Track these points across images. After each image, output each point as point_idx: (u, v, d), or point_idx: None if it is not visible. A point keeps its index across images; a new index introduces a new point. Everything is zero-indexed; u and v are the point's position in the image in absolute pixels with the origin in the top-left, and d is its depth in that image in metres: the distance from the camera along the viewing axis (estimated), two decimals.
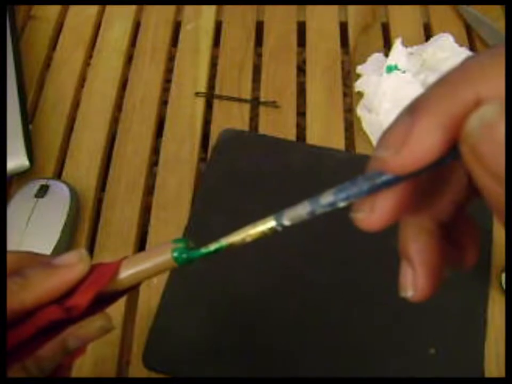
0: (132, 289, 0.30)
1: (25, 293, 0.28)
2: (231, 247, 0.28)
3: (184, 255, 0.29)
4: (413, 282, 0.25)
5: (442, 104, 0.20)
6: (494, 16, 0.69)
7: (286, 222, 0.25)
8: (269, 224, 0.26)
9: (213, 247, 0.29)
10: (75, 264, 0.29)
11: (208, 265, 0.52)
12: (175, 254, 0.28)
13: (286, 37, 0.69)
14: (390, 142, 0.21)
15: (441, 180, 0.25)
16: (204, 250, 0.29)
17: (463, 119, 0.19)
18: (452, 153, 0.20)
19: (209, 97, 0.64)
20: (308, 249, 0.52)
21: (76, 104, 0.65)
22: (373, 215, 0.23)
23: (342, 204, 0.24)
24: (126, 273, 0.29)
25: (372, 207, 0.23)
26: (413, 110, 0.21)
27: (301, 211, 0.25)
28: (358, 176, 0.23)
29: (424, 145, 0.20)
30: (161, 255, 0.29)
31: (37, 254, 0.32)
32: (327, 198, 0.24)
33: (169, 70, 0.68)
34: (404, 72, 0.60)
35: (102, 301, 0.29)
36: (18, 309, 0.28)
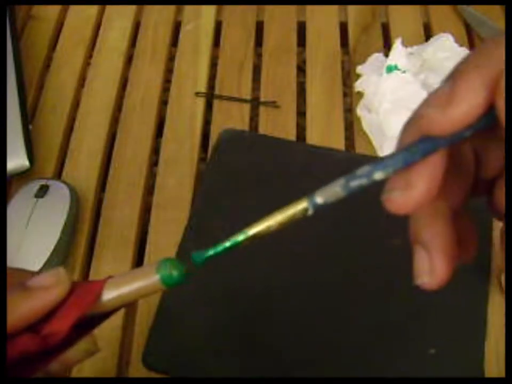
0: (116, 311, 0.28)
1: None
2: (253, 238, 0.25)
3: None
4: (429, 268, 0.24)
5: (481, 68, 0.21)
6: (494, 16, 0.69)
7: (319, 200, 0.24)
8: (301, 205, 0.24)
9: (231, 240, 0.26)
10: (52, 286, 0.26)
11: (208, 265, 0.52)
12: (160, 275, 0.26)
13: (286, 37, 0.69)
14: (436, 102, 0.21)
15: (457, 166, 0.25)
16: (219, 248, 0.26)
17: (499, 80, 0.21)
18: (488, 117, 0.21)
19: (209, 97, 0.64)
20: (310, 249, 0.52)
21: (76, 104, 0.65)
22: (408, 192, 0.22)
23: (378, 175, 0.23)
24: (110, 295, 0.26)
25: (407, 183, 0.22)
26: (454, 75, 0.22)
27: (334, 186, 0.24)
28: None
29: (469, 102, 0.21)
30: (147, 277, 0.26)
31: (17, 270, 0.30)
32: (362, 169, 0.23)
33: (169, 70, 0.68)
34: (404, 72, 0.60)
35: (84, 324, 0.27)
36: None
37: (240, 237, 0.25)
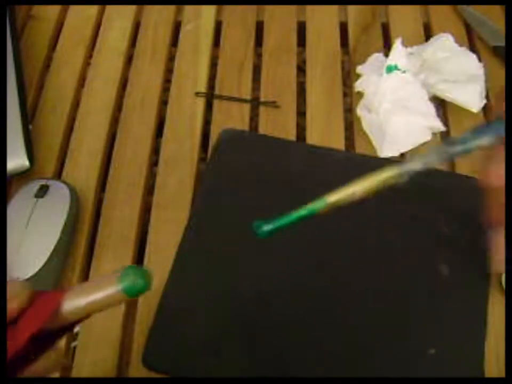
0: (79, 322, 0.27)
1: None
2: (333, 206, 0.23)
3: (138, 283, 0.24)
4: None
5: None
6: (494, 16, 0.69)
7: (417, 166, 0.22)
8: (394, 170, 0.23)
9: (313, 206, 0.23)
10: (10, 298, 0.25)
11: (207, 265, 0.52)
12: (123, 285, 0.25)
13: (286, 37, 0.69)
14: None
15: None
16: (291, 216, 0.24)
17: None
18: None
19: (209, 97, 0.64)
20: (310, 250, 0.52)
21: (76, 104, 0.65)
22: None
23: (484, 140, 0.22)
24: (70, 306, 0.25)
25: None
26: None
27: (431, 149, 0.22)
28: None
29: None
30: (109, 287, 0.25)
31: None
32: (463, 136, 0.22)
33: (169, 70, 0.68)
34: (404, 72, 0.60)
35: (47, 336, 0.26)
36: None
37: (319, 205, 0.24)
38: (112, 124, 0.63)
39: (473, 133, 0.23)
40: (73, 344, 0.49)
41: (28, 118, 0.59)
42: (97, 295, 0.25)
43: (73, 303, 0.25)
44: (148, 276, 0.25)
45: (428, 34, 0.68)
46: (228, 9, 0.72)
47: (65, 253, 0.52)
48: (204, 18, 0.71)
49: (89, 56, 0.69)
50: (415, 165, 0.22)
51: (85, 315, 0.26)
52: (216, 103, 0.64)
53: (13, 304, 0.25)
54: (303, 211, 0.23)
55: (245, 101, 0.64)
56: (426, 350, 0.46)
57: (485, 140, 0.22)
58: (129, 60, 0.68)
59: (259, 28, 0.70)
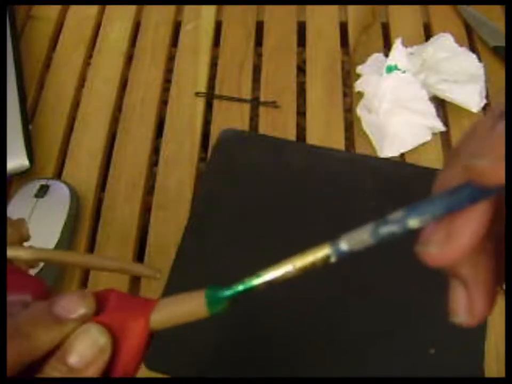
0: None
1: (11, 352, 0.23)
2: (268, 285, 0.24)
3: (216, 302, 0.25)
4: (468, 307, 0.22)
5: None
6: (494, 16, 0.69)
7: (344, 247, 0.21)
8: (322, 252, 0.22)
9: (243, 286, 0.24)
10: (80, 317, 0.24)
11: (207, 265, 0.52)
12: (209, 300, 0.25)
13: (286, 37, 0.69)
14: (489, 151, 0.19)
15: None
16: (230, 291, 0.25)
17: None
18: None
19: (209, 97, 0.64)
20: None
21: (76, 104, 0.65)
22: (449, 246, 0.20)
23: (412, 222, 0.20)
24: (157, 316, 0.26)
25: (447, 235, 0.20)
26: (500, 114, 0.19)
27: (362, 232, 0.21)
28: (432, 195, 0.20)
29: None
30: (193, 301, 0.26)
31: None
32: (395, 215, 0.20)
33: (169, 70, 0.68)
34: (404, 72, 0.60)
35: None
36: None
37: (255, 281, 0.24)
38: (112, 124, 0.63)
39: (410, 209, 0.20)
40: None
41: (28, 118, 0.59)
42: (183, 308, 0.26)
43: (161, 313, 0.26)
44: (227, 296, 0.25)
45: (428, 34, 0.68)
46: (228, 9, 0.72)
47: None
48: (204, 18, 0.71)
49: (89, 56, 0.69)
50: (344, 246, 0.21)
51: (167, 326, 0.26)
52: (216, 103, 0.64)
53: (83, 317, 0.24)
54: (240, 286, 0.24)
55: (245, 101, 0.63)
56: (426, 350, 0.46)
57: (425, 218, 0.20)
58: (129, 59, 0.68)
59: (259, 27, 0.70)
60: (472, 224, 0.20)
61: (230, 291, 0.25)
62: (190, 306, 0.26)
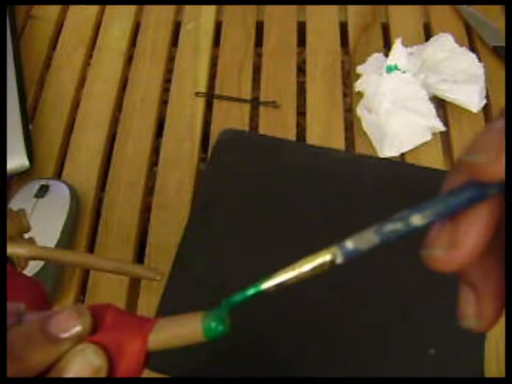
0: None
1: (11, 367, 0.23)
2: (277, 289, 0.23)
3: (213, 329, 0.25)
4: (477, 312, 0.22)
5: None
6: (494, 16, 0.69)
7: (350, 246, 0.21)
8: (328, 254, 0.22)
9: (256, 288, 0.24)
10: (75, 332, 0.23)
11: (207, 265, 0.52)
12: (205, 327, 0.25)
13: (286, 37, 0.69)
14: (487, 147, 0.19)
15: None
16: (242, 294, 0.25)
17: None
18: None
19: (209, 97, 0.64)
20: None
21: (75, 104, 0.65)
22: (455, 251, 0.20)
23: (416, 219, 0.20)
24: (154, 337, 0.25)
25: (452, 241, 0.20)
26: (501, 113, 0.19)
27: (367, 232, 0.21)
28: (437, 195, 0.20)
29: None
30: (190, 326, 0.25)
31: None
32: (399, 214, 0.20)
33: (169, 70, 0.68)
34: (404, 72, 0.60)
35: None
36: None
37: (262, 286, 0.24)
38: (112, 124, 0.63)
39: (413, 207, 0.20)
40: None
41: (28, 118, 0.59)
42: (181, 332, 0.25)
43: (158, 336, 0.25)
44: (228, 322, 0.25)
45: (428, 34, 0.68)
46: (228, 9, 0.72)
47: None
48: (204, 18, 0.71)
49: (89, 56, 0.69)
50: (350, 245, 0.21)
51: (164, 348, 0.26)
52: (216, 103, 0.64)
53: (80, 333, 0.23)
54: (239, 296, 0.24)
55: (245, 101, 0.63)
56: (426, 350, 0.46)
57: (427, 216, 0.20)
58: (129, 59, 0.68)
59: (259, 27, 0.70)
60: (477, 227, 0.20)
61: (239, 296, 0.25)
62: (187, 331, 0.25)
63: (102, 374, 0.24)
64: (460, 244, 0.20)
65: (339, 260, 0.22)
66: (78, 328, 0.23)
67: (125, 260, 0.53)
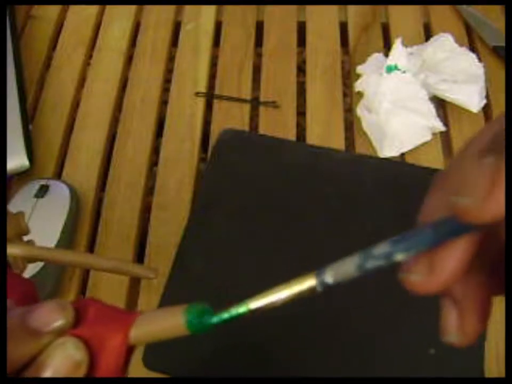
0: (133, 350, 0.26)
1: None
2: (254, 312, 0.24)
3: (197, 322, 0.24)
4: (459, 327, 0.22)
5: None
6: (494, 16, 0.69)
7: (329, 280, 0.21)
8: (308, 283, 0.22)
9: (233, 312, 0.24)
10: (56, 326, 0.23)
11: (207, 265, 0.52)
12: (188, 319, 0.24)
13: (286, 37, 0.69)
14: (474, 188, 0.18)
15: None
16: (218, 317, 0.24)
17: None
18: None
19: (209, 97, 0.64)
20: (314, 251, 0.52)
21: (75, 104, 0.65)
22: (433, 277, 0.19)
23: (400, 256, 0.20)
24: (136, 332, 0.25)
25: (430, 268, 0.20)
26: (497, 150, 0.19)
27: (348, 265, 0.21)
28: (419, 227, 0.20)
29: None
30: (172, 318, 0.25)
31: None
32: (381, 249, 0.21)
33: (169, 70, 0.68)
34: (404, 72, 0.60)
35: None
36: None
37: (241, 309, 0.24)
38: (112, 124, 0.63)
39: (396, 243, 0.20)
40: None
41: (28, 118, 0.59)
42: (163, 325, 0.25)
43: (140, 329, 0.25)
44: (212, 314, 0.24)
45: (428, 34, 0.68)
46: (228, 9, 0.72)
47: None
48: (204, 18, 0.71)
49: (89, 56, 0.69)
50: (329, 278, 0.21)
51: (146, 342, 0.26)
52: (216, 103, 0.64)
53: (61, 326, 0.23)
54: (225, 314, 0.23)
55: (245, 101, 0.63)
56: (426, 350, 0.46)
57: (411, 253, 0.20)
58: (129, 59, 0.68)
59: (259, 27, 0.70)
60: (455, 255, 0.19)
61: (215, 318, 0.24)
62: (170, 324, 0.25)
63: (83, 368, 0.23)
64: (438, 269, 0.19)
65: (318, 289, 0.22)
66: (59, 322, 0.23)
67: (122, 259, 0.53)
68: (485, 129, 0.20)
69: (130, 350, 0.25)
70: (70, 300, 0.24)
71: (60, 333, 0.23)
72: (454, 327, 0.22)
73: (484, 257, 0.21)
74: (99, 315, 0.25)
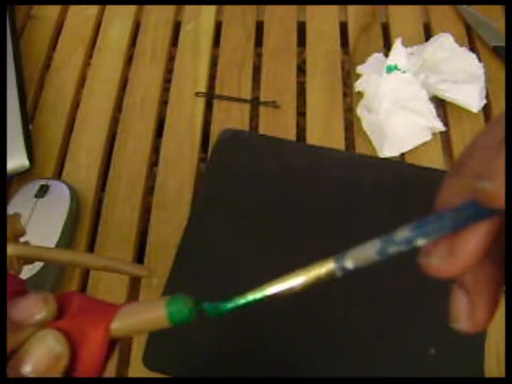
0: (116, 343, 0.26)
1: None
2: (271, 298, 0.24)
3: (178, 313, 0.24)
4: (469, 314, 0.22)
5: None
6: (494, 16, 0.69)
7: (349, 265, 0.21)
8: (326, 267, 0.22)
9: (249, 297, 0.24)
10: (39, 318, 0.23)
11: (207, 265, 0.52)
12: (169, 311, 0.24)
13: (286, 37, 0.69)
14: (493, 174, 0.18)
15: None
16: (234, 303, 0.25)
17: None
18: None
19: (209, 97, 0.64)
20: (314, 251, 0.52)
21: (75, 104, 0.65)
22: (452, 260, 0.20)
23: (421, 242, 0.20)
24: (117, 324, 0.24)
25: (451, 251, 0.20)
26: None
27: (368, 250, 0.21)
28: (440, 211, 0.20)
29: None
30: (154, 310, 0.25)
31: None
32: (402, 234, 0.21)
33: (169, 70, 0.68)
34: (404, 72, 0.60)
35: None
36: None
37: (258, 295, 0.24)
38: (112, 124, 0.63)
39: (417, 228, 0.20)
40: None
41: (28, 118, 0.59)
42: (142, 317, 0.25)
43: (121, 322, 0.25)
44: (195, 305, 0.25)
45: (428, 34, 0.68)
46: (228, 9, 0.72)
47: None
48: (204, 18, 0.71)
49: (89, 56, 0.69)
50: (349, 264, 0.21)
51: (126, 335, 0.25)
52: (216, 103, 0.64)
53: (43, 319, 0.23)
54: (242, 299, 0.24)
55: (245, 101, 0.63)
56: (426, 350, 0.46)
57: (433, 238, 0.20)
58: (129, 59, 0.68)
59: (259, 27, 0.70)
60: (475, 239, 0.20)
61: (230, 304, 0.24)
62: (151, 316, 0.25)
63: (63, 361, 0.23)
64: (458, 253, 0.20)
65: (338, 274, 0.22)
66: (41, 315, 0.23)
67: (124, 258, 0.53)
68: (498, 121, 0.21)
69: (113, 342, 0.25)
70: (54, 293, 0.24)
71: (42, 325, 0.23)
72: (464, 314, 0.22)
73: (495, 248, 0.21)
74: (82, 308, 0.25)
